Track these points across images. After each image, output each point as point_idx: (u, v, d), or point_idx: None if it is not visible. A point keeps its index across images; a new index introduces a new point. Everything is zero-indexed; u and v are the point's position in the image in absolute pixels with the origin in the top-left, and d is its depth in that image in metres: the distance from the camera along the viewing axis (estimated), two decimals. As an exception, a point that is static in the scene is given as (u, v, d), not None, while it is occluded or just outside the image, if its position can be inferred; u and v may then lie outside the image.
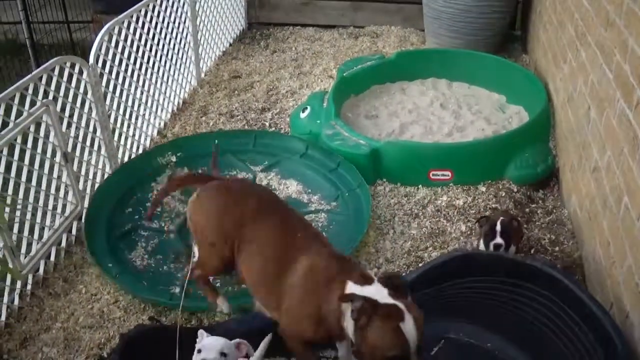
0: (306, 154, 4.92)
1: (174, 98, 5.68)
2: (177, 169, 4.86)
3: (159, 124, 5.43)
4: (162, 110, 5.47)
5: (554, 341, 3.15)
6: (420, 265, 4.03)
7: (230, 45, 6.79)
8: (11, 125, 3.78)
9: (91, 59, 4.44)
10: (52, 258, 4.16)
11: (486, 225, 3.78)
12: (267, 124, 5.51)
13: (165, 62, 5.46)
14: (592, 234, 3.78)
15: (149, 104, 5.25)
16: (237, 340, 2.89)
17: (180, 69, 5.68)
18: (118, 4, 6.46)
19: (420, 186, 4.75)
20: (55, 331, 3.71)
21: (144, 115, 5.17)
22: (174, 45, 5.60)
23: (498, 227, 3.69)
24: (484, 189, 4.69)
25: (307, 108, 5.28)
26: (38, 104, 3.99)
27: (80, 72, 4.38)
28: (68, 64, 4.27)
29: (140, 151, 5.12)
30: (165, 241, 4.33)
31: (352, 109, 5.48)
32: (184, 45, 5.77)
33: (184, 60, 5.76)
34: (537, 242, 4.17)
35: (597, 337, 2.90)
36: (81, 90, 4.43)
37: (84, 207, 4.44)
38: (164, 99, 5.47)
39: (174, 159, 4.91)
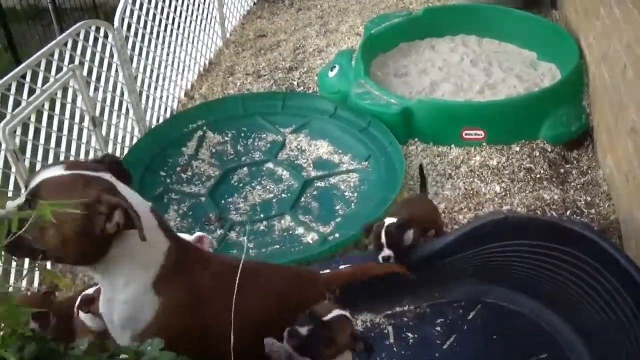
0: (335, 113, 4.86)
1: (200, 59, 5.62)
2: (207, 133, 4.83)
3: (186, 85, 5.38)
4: (188, 71, 5.41)
5: (591, 306, 3.10)
6: (455, 226, 4.00)
7: (255, 4, 6.68)
8: (38, 91, 3.76)
9: (116, 22, 4.39)
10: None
11: (372, 236, 3.27)
12: (295, 83, 5.44)
13: (190, 22, 5.38)
14: (630, 196, 3.71)
15: (175, 65, 5.19)
16: (198, 234, 2.79)
17: (205, 29, 5.61)
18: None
19: (452, 146, 4.67)
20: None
21: (170, 76, 5.11)
22: (199, 4, 5.51)
23: (383, 239, 3.19)
24: (517, 148, 4.60)
25: (335, 67, 5.20)
26: (64, 69, 3.96)
27: (106, 36, 4.33)
28: (93, 28, 4.23)
29: (168, 113, 5.09)
30: (197, 204, 4.33)
31: (381, 67, 5.38)
32: (209, 4, 5.67)
33: (208, 20, 5.68)
34: (572, 203, 4.10)
35: (636, 303, 2.85)
36: (107, 53, 4.38)
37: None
38: (189, 60, 5.41)
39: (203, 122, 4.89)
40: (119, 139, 4.55)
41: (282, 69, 5.61)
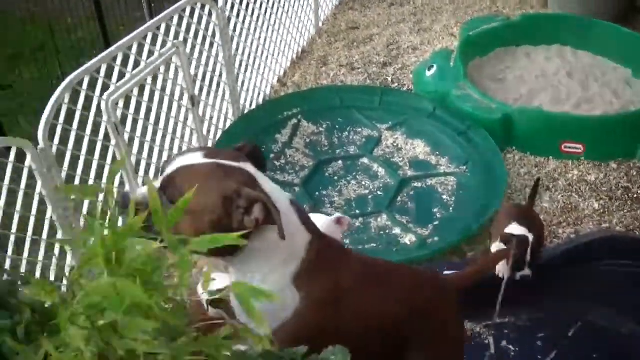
0: (434, 114, 4.77)
1: (294, 46, 5.55)
2: (301, 122, 4.77)
3: (279, 71, 5.31)
4: (282, 58, 5.34)
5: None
6: (555, 240, 3.93)
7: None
8: (143, 65, 3.71)
9: (220, 1, 4.33)
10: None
11: (516, 248, 3.13)
12: (389, 79, 5.35)
13: (288, 8, 5.30)
14: None
15: (271, 50, 5.13)
16: (337, 215, 2.67)
17: (301, 16, 5.52)
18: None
19: (550, 157, 4.58)
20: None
21: (265, 61, 5.05)
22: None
23: (528, 257, 3.15)
24: (615, 166, 4.51)
25: (433, 66, 5.11)
26: (169, 44, 3.90)
27: (209, 14, 4.28)
28: (198, 5, 4.17)
29: (261, 98, 5.03)
30: (291, 194, 4.25)
31: (478, 70, 5.28)
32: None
33: (304, 7, 5.59)
34: None
35: None
36: (209, 32, 4.32)
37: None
38: (284, 46, 5.34)
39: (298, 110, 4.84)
40: (214, 120, 4.48)
41: (376, 63, 5.52)
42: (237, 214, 1.85)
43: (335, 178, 4.41)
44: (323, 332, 2.01)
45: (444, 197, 4.28)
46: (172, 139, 4.07)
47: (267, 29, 5.00)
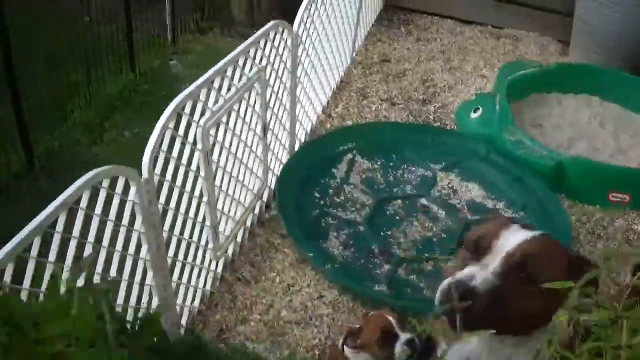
0: (488, 157, 4.77)
1: (336, 76, 5.46)
2: (357, 158, 4.70)
3: (323, 101, 5.21)
4: (327, 87, 5.24)
5: None
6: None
7: (373, 25, 6.55)
8: (234, 90, 3.53)
9: (295, 26, 4.21)
10: (240, 239, 3.98)
11: None
12: (432, 117, 5.34)
13: (333, 37, 5.19)
14: None
15: (321, 79, 5.02)
16: None
17: (339, 46, 5.41)
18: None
19: (597, 206, 4.64)
20: (255, 324, 3.54)
21: (315, 89, 4.93)
22: (346, 18, 5.36)
23: None
24: (659, 216, 4.63)
25: (479, 109, 5.13)
26: (254, 69, 3.73)
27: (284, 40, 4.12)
28: (281, 29, 4.02)
29: (309, 128, 4.92)
30: (357, 234, 4.18)
31: (517, 115, 5.31)
32: (349, 18, 5.51)
33: (345, 37, 5.50)
34: None
35: None
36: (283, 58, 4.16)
37: (268, 186, 4.25)
38: (329, 75, 5.24)
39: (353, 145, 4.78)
40: (275, 151, 4.35)
41: (415, 100, 5.50)
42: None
43: (398, 218, 4.35)
44: None
45: (507, 243, 4.25)
46: (244, 170, 3.92)
47: (318, 56, 4.87)
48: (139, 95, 5.33)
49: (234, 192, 3.77)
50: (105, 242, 2.69)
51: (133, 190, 2.75)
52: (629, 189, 4.64)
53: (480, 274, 1.90)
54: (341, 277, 3.82)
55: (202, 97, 3.23)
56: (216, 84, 3.37)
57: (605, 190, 4.65)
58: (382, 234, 4.22)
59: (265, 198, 4.24)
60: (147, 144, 4.57)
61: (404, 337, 2.81)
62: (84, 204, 2.48)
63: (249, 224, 4.05)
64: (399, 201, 4.48)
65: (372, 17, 6.50)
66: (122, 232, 2.78)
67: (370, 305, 3.64)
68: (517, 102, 5.42)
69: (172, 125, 2.99)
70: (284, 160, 4.47)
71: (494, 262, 1.93)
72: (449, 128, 5.26)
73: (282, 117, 4.30)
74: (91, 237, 2.58)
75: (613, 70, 5.87)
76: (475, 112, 5.14)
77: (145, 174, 2.81)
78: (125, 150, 4.71)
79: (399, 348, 2.79)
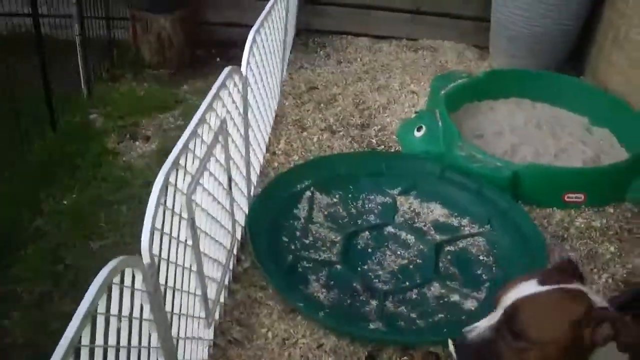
0: (443, 176, 4.76)
1: (272, 111, 5.31)
2: (315, 194, 4.59)
3: (266, 139, 5.06)
4: (267, 124, 5.09)
5: None
6: (593, 286, 4.06)
7: (290, 52, 6.44)
8: (205, 148, 3.33)
9: (244, 70, 4.06)
10: (222, 300, 3.78)
11: None
12: (374, 141, 5.29)
13: (270, 70, 5.01)
14: None
15: (263, 116, 4.86)
16: None
17: (275, 79, 5.25)
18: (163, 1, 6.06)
19: (555, 208, 4.74)
20: (264, 386, 3.39)
21: (260, 129, 4.77)
22: (275, 50, 5.19)
23: None
24: (611, 210, 4.77)
25: (422, 127, 5.13)
26: (218, 121, 3.54)
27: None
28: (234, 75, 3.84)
29: (258, 170, 4.76)
30: (335, 273, 4.06)
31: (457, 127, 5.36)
32: (277, 50, 5.36)
33: (277, 67, 5.35)
34: None
35: None
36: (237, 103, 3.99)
37: (237, 239, 4.08)
38: (263, 111, 5.07)
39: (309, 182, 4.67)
40: (238, 200, 4.16)
41: (354, 125, 5.44)
42: (587, 336, 1.96)
43: (369, 250, 4.27)
44: None
45: (481, 257, 4.28)
46: (218, 228, 3.72)
47: (260, 95, 4.70)
48: (67, 156, 5.00)
49: (213, 252, 3.57)
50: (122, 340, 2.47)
51: (139, 279, 2.53)
52: (583, 188, 4.76)
53: (481, 326, 2.12)
54: (338, 321, 3.70)
55: (182, 162, 3.03)
56: (191, 146, 3.17)
57: (560, 192, 4.75)
58: (358, 269, 4.13)
59: (235, 251, 4.06)
60: (87, 207, 4.32)
61: None
62: (101, 308, 2.26)
63: (226, 282, 3.86)
64: (367, 232, 4.40)
65: (289, 44, 6.39)
66: (135, 325, 2.55)
67: (370, 345, 3.58)
68: (453, 114, 5.46)
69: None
70: (245, 209, 4.29)
71: (496, 315, 2.11)
72: (393, 150, 5.21)
73: (240, 164, 4.12)
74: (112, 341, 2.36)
75: (539, 72, 6.05)
76: (418, 130, 5.13)
77: (147, 259, 2.59)
78: (70, 219, 4.41)
79: None
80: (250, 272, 4.03)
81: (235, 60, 6.30)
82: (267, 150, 5.05)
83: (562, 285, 2.05)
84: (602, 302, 2.11)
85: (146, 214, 2.68)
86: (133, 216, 4.43)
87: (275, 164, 4.94)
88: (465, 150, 4.83)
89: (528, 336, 1.99)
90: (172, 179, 2.92)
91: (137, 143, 5.16)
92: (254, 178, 4.57)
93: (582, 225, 4.60)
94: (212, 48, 6.58)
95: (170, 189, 2.91)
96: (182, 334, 3.08)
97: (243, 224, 4.22)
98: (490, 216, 4.51)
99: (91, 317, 2.18)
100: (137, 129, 5.33)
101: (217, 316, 3.65)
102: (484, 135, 5.37)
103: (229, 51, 6.54)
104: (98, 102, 5.68)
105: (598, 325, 1.95)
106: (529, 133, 5.47)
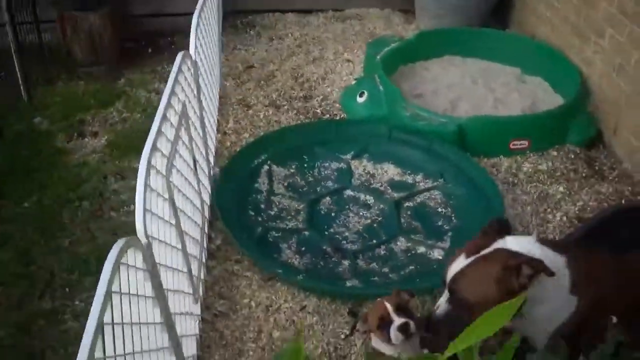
0: (392, 136, 4.94)
1: (216, 92, 5.37)
2: (272, 167, 4.70)
3: (215, 120, 5.12)
4: (215, 106, 5.15)
5: None
6: (549, 225, 4.33)
7: (222, 35, 6.48)
8: (174, 131, 3.41)
9: (193, 54, 4.10)
10: (202, 275, 3.87)
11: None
12: (319, 111, 5.43)
13: (211, 53, 5.05)
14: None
15: (212, 99, 4.93)
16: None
17: (215, 61, 5.30)
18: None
19: (501, 157, 4.98)
20: (254, 352, 3.50)
21: (210, 111, 4.84)
22: (213, 33, 5.23)
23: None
24: (555, 153, 5.03)
25: (364, 92, 5.28)
26: (180, 105, 3.61)
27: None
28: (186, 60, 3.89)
29: (213, 149, 4.83)
30: (304, 239, 4.21)
31: (396, 89, 5.54)
32: (214, 32, 5.38)
33: (216, 50, 5.39)
34: (621, 194, 4.62)
35: None
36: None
37: (206, 217, 4.16)
38: (208, 93, 5.13)
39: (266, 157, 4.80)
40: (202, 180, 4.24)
41: (296, 98, 5.56)
42: (513, 283, 2.40)
43: (333, 214, 4.43)
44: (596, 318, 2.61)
45: (440, 209, 4.49)
46: (191, 206, 3.80)
47: (207, 77, 4.75)
48: (20, 161, 4.96)
49: (191, 231, 3.66)
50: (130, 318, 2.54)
51: (140, 258, 2.61)
52: (527, 134, 5.02)
53: (442, 303, 2.60)
54: (317, 282, 3.84)
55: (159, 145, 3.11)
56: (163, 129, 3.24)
57: (506, 140, 4.99)
58: (325, 233, 4.28)
59: (206, 229, 4.15)
60: (49, 207, 4.31)
61: (398, 322, 2.87)
62: (115, 287, 2.33)
63: (203, 259, 3.95)
64: (327, 198, 4.56)
65: (221, 27, 6.43)
66: (142, 304, 2.64)
67: (350, 302, 3.74)
68: (389, 77, 5.62)
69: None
70: (209, 189, 4.38)
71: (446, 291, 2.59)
72: (338, 118, 5.36)
73: (200, 145, 4.20)
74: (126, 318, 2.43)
75: (467, 29, 6.28)
76: (360, 96, 5.28)
77: (143, 239, 2.67)
78: (34, 220, 4.40)
79: (392, 333, 2.87)
80: (223, 247, 4.13)
81: (166, 49, 6.40)
82: (218, 130, 5.11)
83: (481, 253, 2.50)
84: (530, 243, 2.56)
85: (136, 197, 2.74)
86: (96, 210, 4.47)
87: (228, 143, 5.03)
88: (409, 110, 5.00)
89: (469, 303, 2.43)
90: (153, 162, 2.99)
91: (86, 140, 5.16)
92: (211, 158, 4.65)
93: (530, 170, 4.86)
94: (141, 40, 6.56)
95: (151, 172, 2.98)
96: (176, 310, 3.17)
97: (209, 203, 4.30)
98: (443, 170, 4.72)
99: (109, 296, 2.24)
100: (83, 126, 5.32)
101: (200, 292, 3.74)
102: (422, 95, 5.56)
103: (158, 41, 6.55)
104: (40, 106, 5.62)
105: (518, 271, 2.37)
106: (465, 88, 5.68)
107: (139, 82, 5.88)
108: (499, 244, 2.53)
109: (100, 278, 2.23)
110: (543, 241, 2.61)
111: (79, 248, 4.19)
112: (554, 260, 2.48)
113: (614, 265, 2.71)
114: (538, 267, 2.36)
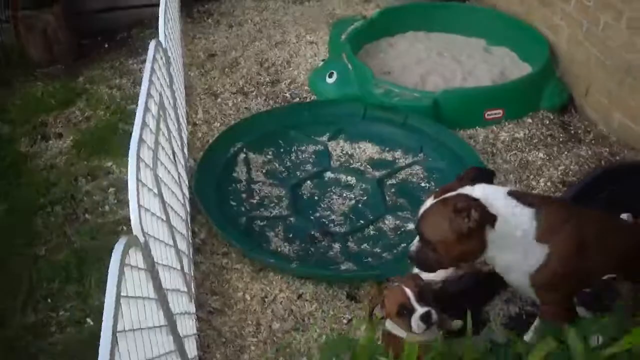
0: (366, 115, 4.85)
1: (181, 83, 5.20)
2: (249, 155, 4.59)
3: (184, 111, 4.97)
4: (182, 96, 4.99)
5: None
6: (535, 191, 4.32)
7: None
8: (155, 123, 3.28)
9: (163, 42, 3.96)
10: (192, 272, 3.74)
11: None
12: (288, 95, 5.31)
13: (174, 41, 4.89)
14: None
15: (180, 90, 4.77)
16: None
17: (178, 50, 5.14)
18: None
19: (477, 128, 4.94)
20: (255, 347, 3.40)
21: (181, 101, 4.69)
22: (174, 22, 5.06)
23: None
24: (530, 120, 5.01)
25: (333, 73, 5.19)
26: (157, 95, 3.47)
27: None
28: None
29: (186, 141, 4.69)
30: (290, 225, 4.12)
31: (365, 67, 5.45)
32: (175, 21, 5.21)
33: (177, 39, 5.22)
34: (600, 155, 4.63)
35: None
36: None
37: (188, 211, 4.03)
38: (179, 84, 4.98)
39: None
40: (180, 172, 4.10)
41: (263, 83, 5.43)
42: (462, 225, 2.58)
43: (316, 198, 4.34)
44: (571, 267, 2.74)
45: (423, 184, 4.45)
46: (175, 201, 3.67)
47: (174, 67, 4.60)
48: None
49: (178, 225, 3.53)
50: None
51: (140, 258, 2.48)
52: (501, 103, 5.00)
53: (415, 241, 2.85)
54: (313, 268, 3.76)
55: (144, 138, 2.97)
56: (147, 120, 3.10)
57: (481, 111, 4.96)
58: (311, 217, 4.20)
59: (189, 224, 4.01)
60: (20, 215, 4.15)
61: (420, 311, 2.80)
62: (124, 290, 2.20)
63: (191, 255, 3.82)
64: (308, 182, 4.47)
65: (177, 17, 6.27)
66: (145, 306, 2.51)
67: (347, 285, 3.67)
68: (355, 55, 5.54)
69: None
70: (186, 181, 4.24)
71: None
72: (308, 100, 5.26)
73: (176, 136, 4.06)
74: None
75: (430, 3, 6.26)
76: (330, 77, 5.19)
77: (141, 238, 2.54)
78: (6, 230, 4.22)
79: (414, 324, 2.80)
80: (209, 241, 4.01)
81: (124, 43, 6.20)
82: (187, 122, 4.97)
83: (444, 196, 2.69)
84: (496, 192, 2.69)
85: (129, 193, 2.61)
86: (70, 214, 4.30)
87: (200, 134, 4.89)
88: (381, 87, 4.93)
89: (429, 240, 2.70)
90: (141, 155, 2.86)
91: (50, 142, 4.96)
92: (185, 151, 4.52)
93: (507, 139, 4.83)
94: (97, 36, 6.34)
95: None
96: (175, 310, 3.05)
97: (188, 196, 4.17)
98: (422, 144, 4.66)
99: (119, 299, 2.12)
100: (46, 128, 5.11)
101: (193, 290, 3.62)
102: (391, 72, 5.49)
103: (115, 35, 6.34)
104: (-3, 110, 5.40)
105: (468, 214, 2.54)
106: (433, 62, 5.63)
107: (99, 79, 5.68)
108: (466, 190, 2.68)
109: (108, 283, 2.10)
110: (513, 193, 2.73)
111: (56, 255, 4.02)
112: (517, 211, 2.66)
113: (596, 217, 2.87)
114: (482, 212, 2.55)
